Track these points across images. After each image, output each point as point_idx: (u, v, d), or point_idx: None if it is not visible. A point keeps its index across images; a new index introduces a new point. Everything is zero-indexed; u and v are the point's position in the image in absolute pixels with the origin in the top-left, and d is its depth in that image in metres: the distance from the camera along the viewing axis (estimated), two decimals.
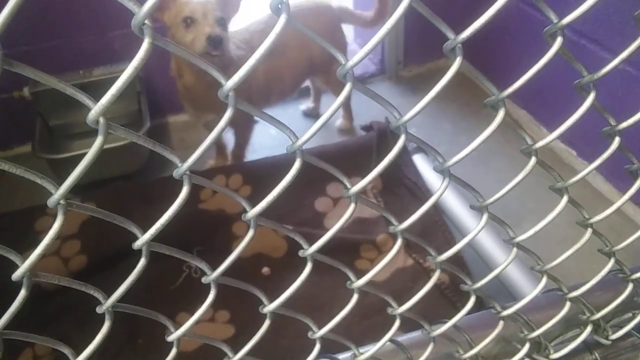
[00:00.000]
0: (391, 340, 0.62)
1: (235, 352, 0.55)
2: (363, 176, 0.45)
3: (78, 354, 0.47)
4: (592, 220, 0.60)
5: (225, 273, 0.47)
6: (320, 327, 0.57)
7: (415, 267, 1.52)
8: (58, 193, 0.35)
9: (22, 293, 0.39)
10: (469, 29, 0.37)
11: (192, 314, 0.49)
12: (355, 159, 1.77)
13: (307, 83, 2.18)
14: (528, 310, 0.64)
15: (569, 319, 0.66)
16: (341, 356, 0.64)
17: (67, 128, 2.01)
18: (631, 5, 1.51)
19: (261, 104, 1.85)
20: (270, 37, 0.32)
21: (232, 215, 1.66)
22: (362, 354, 0.60)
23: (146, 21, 0.29)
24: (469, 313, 0.61)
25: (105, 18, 1.93)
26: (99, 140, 0.33)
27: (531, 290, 0.61)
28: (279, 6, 0.33)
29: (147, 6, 0.29)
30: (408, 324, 0.62)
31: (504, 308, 0.62)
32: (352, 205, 0.46)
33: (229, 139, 1.97)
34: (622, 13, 1.57)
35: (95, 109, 0.32)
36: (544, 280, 0.62)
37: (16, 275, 0.38)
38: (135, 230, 0.41)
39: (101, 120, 0.32)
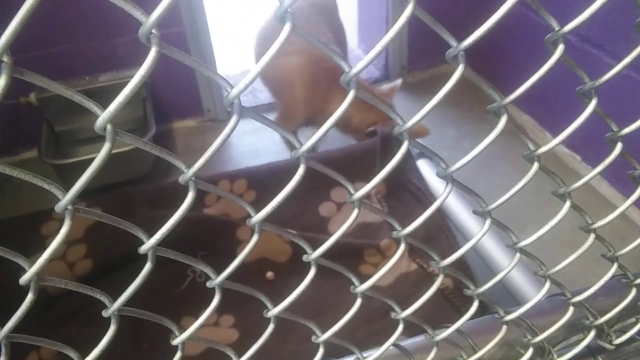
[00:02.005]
0: (394, 344, 0.62)
1: (240, 356, 0.55)
2: (367, 181, 0.45)
3: (83, 358, 0.47)
4: (595, 226, 0.60)
5: (229, 277, 0.48)
6: (324, 332, 0.57)
7: (419, 272, 1.51)
8: (66, 198, 0.35)
9: (30, 297, 0.39)
10: (472, 36, 0.37)
11: (196, 318, 0.49)
12: (359, 164, 1.77)
13: None
14: (531, 315, 0.64)
15: (572, 324, 0.66)
16: None
17: (73, 134, 2.03)
18: (635, 11, 1.51)
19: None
20: (275, 46, 0.33)
21: (237, 220, 1.66)
22: (365, 358, 0.61)
23: (153, 30, 0.30)
24: (472, 318, 0.61)
25: (110, 25, 1.94)
26: (106, 147, 0.33)
27: (534, 295, 0.62)
28: (284, 16, 0.33)
29: (154, 15, 0.30)
30: (411, 329, 0.62)
31: (508, 313, 0.62)
32: (356, 211, 0.46)
33: None
34: (625, 18, 1.57)
35: (103, 116, 0.32)
36: (547, 285, 0.63)
37: (24, 279, 0.38)
38: (141, 235, 0.41)
39: (109, 127, 0.33)
